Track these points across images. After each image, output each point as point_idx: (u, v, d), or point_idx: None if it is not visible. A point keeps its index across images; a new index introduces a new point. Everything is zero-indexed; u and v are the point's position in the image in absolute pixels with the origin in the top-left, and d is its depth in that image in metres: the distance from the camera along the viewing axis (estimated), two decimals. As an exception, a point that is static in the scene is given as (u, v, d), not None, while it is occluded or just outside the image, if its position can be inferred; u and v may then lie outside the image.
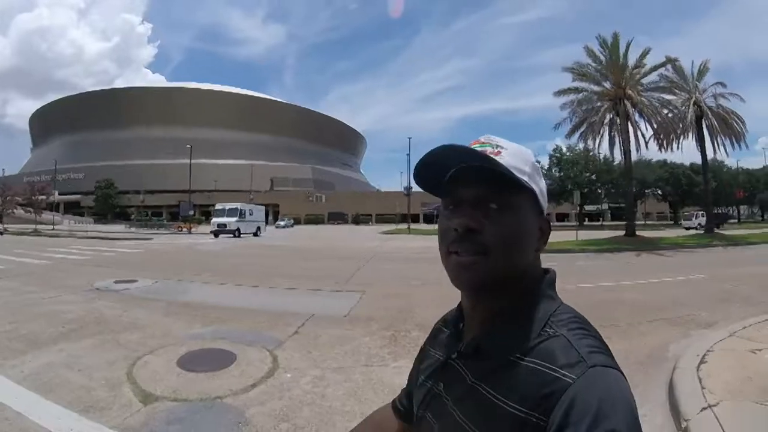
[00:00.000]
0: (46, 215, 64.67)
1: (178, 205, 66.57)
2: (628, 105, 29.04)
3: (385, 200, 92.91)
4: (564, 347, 0.73)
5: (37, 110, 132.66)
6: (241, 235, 39.00)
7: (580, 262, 17.98)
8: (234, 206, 41.44)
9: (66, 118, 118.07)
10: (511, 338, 0.79)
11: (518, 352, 0.76)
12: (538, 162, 0.90)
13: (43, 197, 60.58)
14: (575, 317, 0.81)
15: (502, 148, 0.83)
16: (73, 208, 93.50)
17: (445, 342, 0.97)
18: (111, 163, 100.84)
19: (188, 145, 56.14)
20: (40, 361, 5.17)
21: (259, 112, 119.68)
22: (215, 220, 40.28)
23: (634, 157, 32.39)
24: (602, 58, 30.28)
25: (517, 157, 0.83)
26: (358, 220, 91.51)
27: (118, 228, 57.18)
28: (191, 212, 52.50)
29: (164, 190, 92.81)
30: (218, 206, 42.36)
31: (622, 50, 29.79)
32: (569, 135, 32.93)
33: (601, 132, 30.85)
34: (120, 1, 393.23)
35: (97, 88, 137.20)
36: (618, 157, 33.84)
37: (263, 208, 49.10)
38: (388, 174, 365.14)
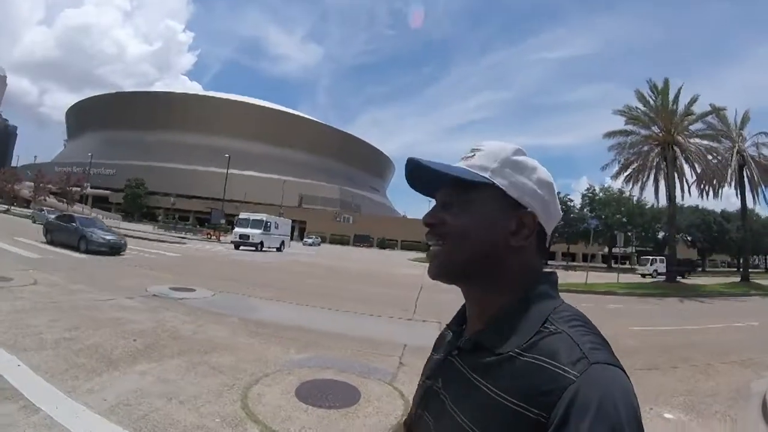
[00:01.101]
0: (76, 207, 65.33)
1: (208, 212, 67.10)
2: (677, 151, 29.11)
3: (412, 227, 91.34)
4: (566, 343, 0.73)
5: (76, 103, 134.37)
6: (264, 250, 36.56)
7: (631, 305, 18.31)
8: (259, 217, 38.40)
9: (103, 114, 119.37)
10: (510, 333, 0.79)
11: (518, 347, 0.76)
12: (523, 154, 0.91)
13: (78, 189, 61.32)
14: (576, 315, 0.81)
15: (477, 151, 0.91)
16: (101, 203, 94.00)
17: (446, 342, 0.98)
18: (142, 163, 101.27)
19: (226, 155, 55.39)
20: (125, 386, 4.43)
21: (292, 129, 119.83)
22: (237, 230, 36.84)
23: (662, 200, 32.94)
24: (651, 102, 30.41)
25: (488, 156, 0.89)
26: (383, 245, 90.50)
27: (147, 228, 57.15)
28: (222, 221, 52.30)
29: (193, 196, 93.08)
30: (242, 215, 39.01)
31: (671, 96, 29.94)
32: (616, 177, 33.13)
33: (649, 176, 31.00)
34: (165, 7, 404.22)
35: (136, 89, 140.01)
36: (658, 201, 33.77)
37: (289, 221, 46.24)
38: (412, 201, 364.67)
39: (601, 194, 62.27)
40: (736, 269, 68.89)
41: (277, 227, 40.33)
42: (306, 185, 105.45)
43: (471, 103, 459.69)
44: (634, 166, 31.49)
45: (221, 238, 48.27)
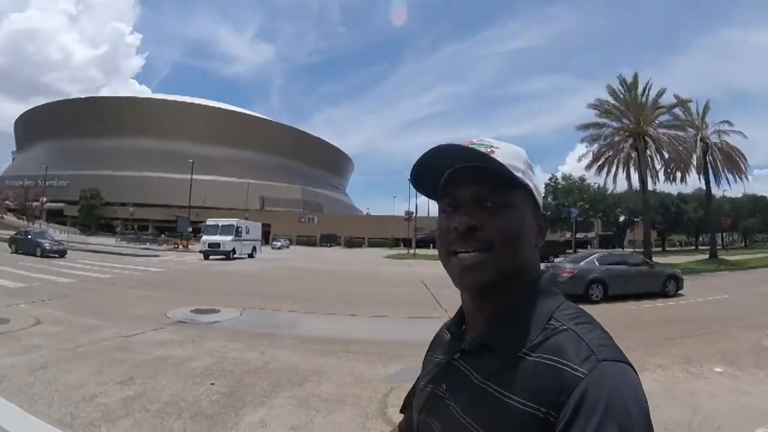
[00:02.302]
0: (20, 222, 62.29)
1: (168, 220, 65.63)
2: (650, 141, 30.48)
3: (377, 224, 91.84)
4: (573, 341, 0.73)
5: (25, 112, 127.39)
6: (234, 257, 33.67)
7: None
8: (229, 222, 35.60)
9: (52, 123, 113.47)
10: (516, 333, 0.79)
11: (526, 347, 0.76)
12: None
13: (38, 204, 58.76)
14: (580, 312, 0.82)
15: (495, 147, 0.86)
16: (56, 217, 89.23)
17: (446, 345, 0.96)
18: (97, 173, 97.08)
19: (190, 160, 53.74)
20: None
21: (249, 130, 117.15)
22: (206, 238, 33.93)
23: (633, 187, 34.02)
24: (622, 96, 31.90)
25: (511, 155, 0.86)
26: (351, 243, 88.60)
27: (110, 241, 54.75)
28: (189, 229, 50.59)
29: (151, 204, 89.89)
30: (210, 222, 36.07)
31: (640, 89, 31.52)
32: (589, 167, 34.37)
33: (621, 165, 32.22)
34: (111, 9, 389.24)
35: (83, 95, 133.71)
36: (631, 187, 35.02)
37: (260, 225, 43.29)
38: (371, 197, 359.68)
39: (563, 182, 63.58)
40: (693, 247, 72.58)
41: (248, 232, 37.73)
42: (266, 187, 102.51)
43: (426, 98, 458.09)
44: (607, 155, 32.80)
45: (189, 246, 46.85)
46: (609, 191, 58.34)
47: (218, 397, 4.94)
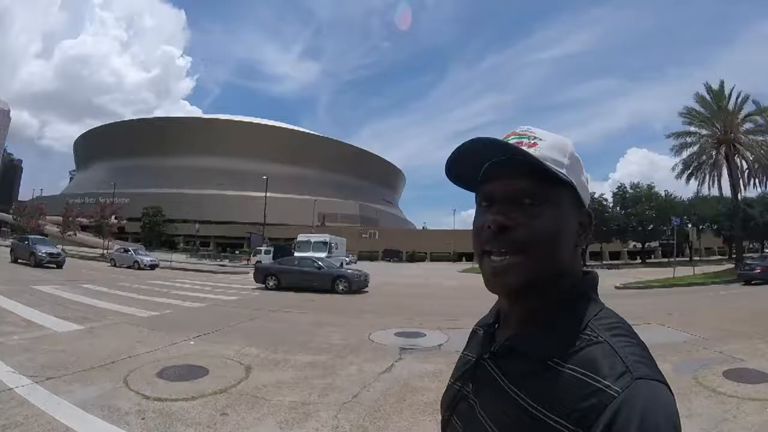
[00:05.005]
0: (92, 239, 64.29)
1: (234, 236, 66.90)
2: (741, 148, 30.41)
3: (436, 238, 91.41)
4: (608, 355, 0.70)
5: (83, 134, 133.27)
6: None
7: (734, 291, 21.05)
8: (322, 238, 35.15)
9: (110, 143, 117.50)
10: (549, 340, 0.76)
11: (557, 356, 0.73)
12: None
13: (115, 221, 59.67)
14: (619, 322, 0.77)
15: (538, 139, 0.81)
16: (118, 233, 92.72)
17: (478, 343, 0.94)
18: (157, 191, 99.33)
19: (264, 177, 54.49)
20: None
21: (304, 147, 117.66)
22: (299, 254, 30.32)
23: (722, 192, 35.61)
24: (711, 105, 33.03)
25: (555, 148, 0.81)
26: (413, 258, 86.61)
27: (177, 257, 54.33)
28: (264, 245, 50.84)
29: (212, 221, 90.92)
30: (301, 237, 35.65)
31: (727, 98, 32.56)
32: (679, 176, 36.13)
33: (708, 172, 34.05)
34: (161, 33, 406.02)
35: (136, 117, 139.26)
36: (722, 193, 36.54)
37: (344, 241, 41.81)
38: (423, 211, 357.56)
39: (631, 191, 62.66)
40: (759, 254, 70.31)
41: (337, 248, 36.72)
42: (325, 203, 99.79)
43: (472, 108, 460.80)
44: (695, 163, 34.38)
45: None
46: (678, 199, 57.94)
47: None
